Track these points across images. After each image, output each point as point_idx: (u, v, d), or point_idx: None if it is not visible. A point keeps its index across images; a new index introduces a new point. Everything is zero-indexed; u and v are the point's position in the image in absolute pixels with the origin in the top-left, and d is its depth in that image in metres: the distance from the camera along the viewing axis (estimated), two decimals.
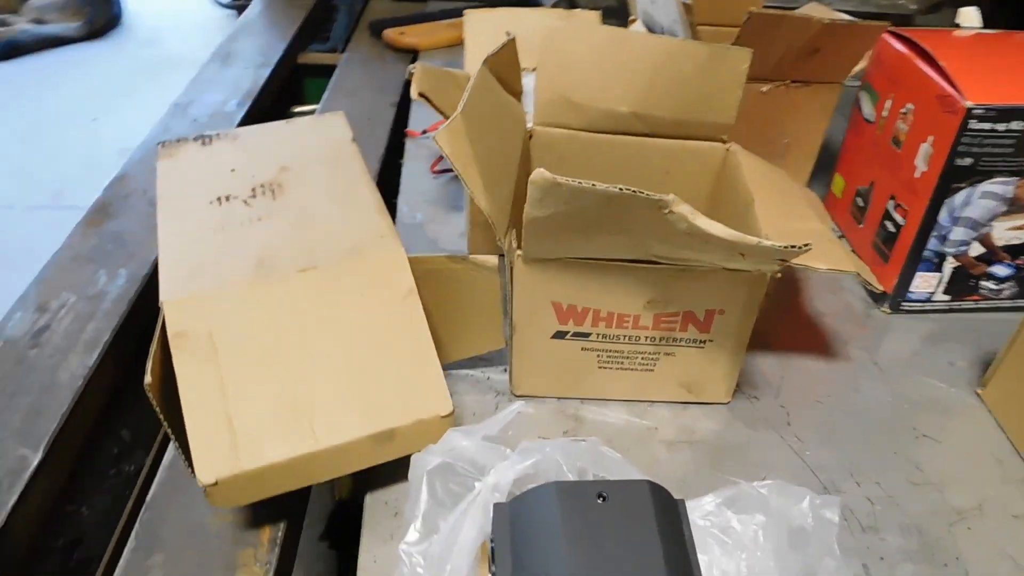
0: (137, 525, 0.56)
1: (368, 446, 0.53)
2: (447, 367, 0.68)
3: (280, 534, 0.56)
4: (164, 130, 1.01)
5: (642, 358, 0.62)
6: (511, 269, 0.58)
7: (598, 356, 0.62)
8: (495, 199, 0.56)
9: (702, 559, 0.48)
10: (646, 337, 0.61)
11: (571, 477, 0.47)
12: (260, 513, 0.57)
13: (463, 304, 0.62)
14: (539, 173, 0.47)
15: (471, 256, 0.59)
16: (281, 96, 1.19)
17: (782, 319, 0.76)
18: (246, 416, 0.52)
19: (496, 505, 0.43)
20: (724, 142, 0.68)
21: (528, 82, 0.71)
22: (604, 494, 0.41)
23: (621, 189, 0.47)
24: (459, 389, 0.66)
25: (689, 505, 0.53)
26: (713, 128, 0.67)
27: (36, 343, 0.69)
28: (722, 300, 0.58)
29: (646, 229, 0.50)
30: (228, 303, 0.56)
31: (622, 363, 0.63)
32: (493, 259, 0.59)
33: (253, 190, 0.66)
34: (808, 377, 0.70)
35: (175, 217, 0.63)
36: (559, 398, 0.66)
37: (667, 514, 0.41)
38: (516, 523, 0.41)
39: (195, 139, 0.72)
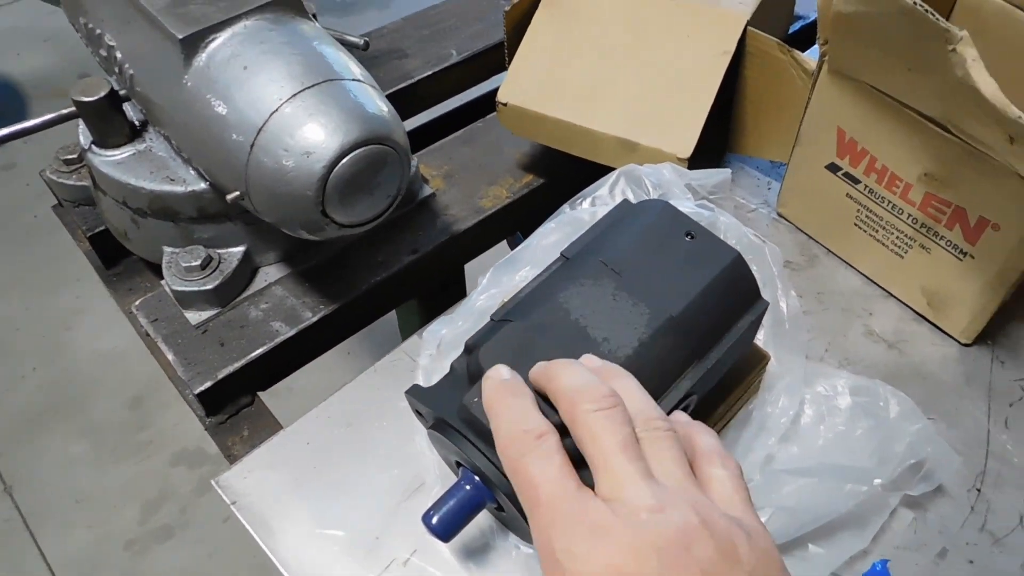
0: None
1: (614, 145, 0.63)
2: (737, 158, 0.72)
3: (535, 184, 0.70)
4: None
5: (897, 236, 0.59)
6: (815, 80, 0.58)
7: (858, 211, 0.61)
8: None
9: (788, 406, 0.50)
10: (909, 215, 0.57)
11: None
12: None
13: (771, 97, 0.65)
14: None
15: (797, 52, 0.61)
16: None
17: None
18: (554, 75, 0.65)
19: (625, 200, 0.50)
20: None
21: None
22: (693, 235, 0.44)
23: (916, 3, 0.45)
24: (735, 177, 0.70)
25: (822, 372, 0.54)
26: None
27: None
28: (1000, 212, 0.52)
29: (930, 66, 0.47)
30: None
31: (877, 232, 0.61)
32: (812, 62, 0.60)
33: None
34: None
35: None
36: (809, 236, 0.66)
37: (730, 286, 0.42)
38: (621, 215, 0.47)
39: None
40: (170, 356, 0.53)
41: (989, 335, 0.59)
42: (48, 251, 1.71)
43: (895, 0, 0.46)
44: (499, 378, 0.34)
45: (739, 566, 0.27)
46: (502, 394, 0.33)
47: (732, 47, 0.63)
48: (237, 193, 0.46)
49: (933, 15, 0.45)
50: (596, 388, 0.31)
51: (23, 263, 1.73)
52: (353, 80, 0.46)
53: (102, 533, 1.33)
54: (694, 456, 0.32)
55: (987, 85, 0.44)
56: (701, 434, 0.33)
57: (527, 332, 0.38)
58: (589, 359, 0.35)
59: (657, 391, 0.39)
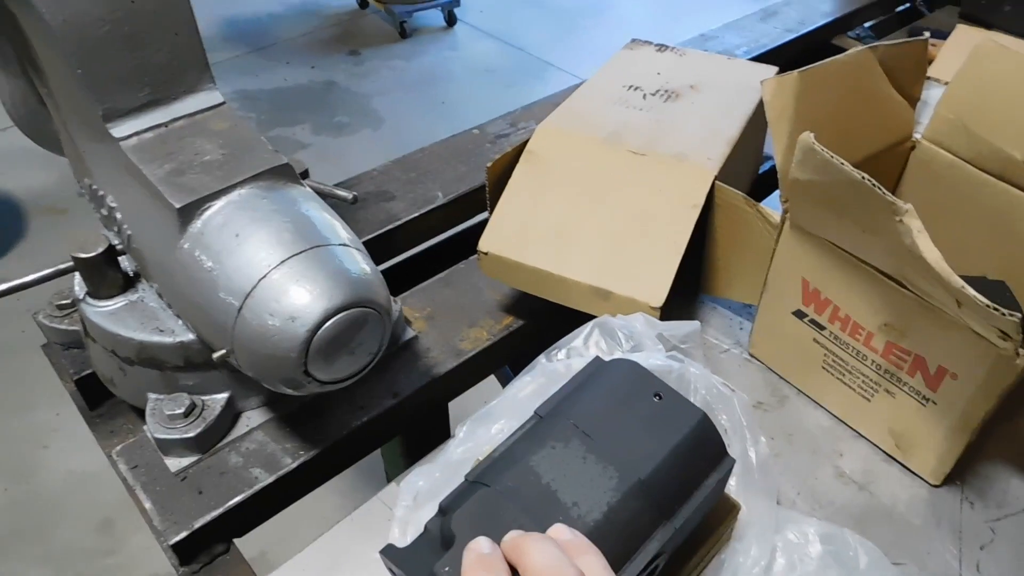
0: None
1: (589, 293, 0.66)
2: (710, 298, 0.75)
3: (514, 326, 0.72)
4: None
5: (863, 380, 0.62)
6: (779, 232, 0.62)
7: (825, 355, 0.63)
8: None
9: (759, 556, 0.51)
10: (872, 361, 0.60)
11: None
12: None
13: (739, 246, 0.68)
14: (804, 135, 0.52)
15: (762, 205, 0.65)
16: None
17: None
18: (532, 226, 0.68)
19: (597, 358, 0.52)
20: None
21: (933, 95, 0.69)
22: (661, 396, 0.46)
23: (863, 178, 0.49)
24: (708, 317, 0.73)
25: (791, 517, 0.55)
26: None
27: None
28: (957, 362, 0.54)
29: (880, 231, 0.51)
30: (577, 148, 0.72)
31: (843, 375, 0.63)
32: (777, 215, 0.64)
33: (657, 91, 0.79)
34: None
35: (598, 83, 0.81)
36: (780, 376, 0.69)
37: (697, 447, 0.44)
38: (593, 374, 0.49)
39: (656, 46, 0.88)
40: (147, 505, 0.54)
41: (958, 475, 0.61)
42: (31, 368, 1.71)
43: (844, 173, 0.50)
44: (478, 551, 0.35)
45: None
46: (478, 569, 0.34)
47: (701, 201, 0.67)
48: (224, 351, 0.48)
49: (880, 189, 0.48)
50: (562, 570, 0.32)
51: (3, 377, 1.72)
52: (339, 244, 0.49)
53: None
54: None
55: (931, 255, 0.47)
56: None
57: (499, 497, 0.40)
58: (559, 530, 0.37)
59: (626, 553, 0.40)
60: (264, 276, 0.45)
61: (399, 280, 0.77)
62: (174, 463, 0.56)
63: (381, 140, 2.53)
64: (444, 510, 0.41)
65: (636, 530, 0.41)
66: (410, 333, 0.67)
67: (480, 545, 0.36)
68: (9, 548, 1.42)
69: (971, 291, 0.45)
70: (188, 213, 0.48)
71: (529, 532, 0.36)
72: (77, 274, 0.57)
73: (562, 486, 0.40)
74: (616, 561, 0.38)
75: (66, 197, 2.17)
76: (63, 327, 0.62)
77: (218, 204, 0.49)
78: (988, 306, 0.45)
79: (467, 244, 0.82)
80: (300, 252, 0.47)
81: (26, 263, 2.00)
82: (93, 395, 0.63)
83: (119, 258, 0.56)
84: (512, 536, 0.36)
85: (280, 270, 0.46)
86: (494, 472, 0.42)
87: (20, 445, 1.60)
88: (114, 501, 1.47)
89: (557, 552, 0.34)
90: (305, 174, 0.62)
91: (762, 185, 0.93)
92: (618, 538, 0.40)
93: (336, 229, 0.50)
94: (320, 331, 0.45)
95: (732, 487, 0.54)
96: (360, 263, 0.49)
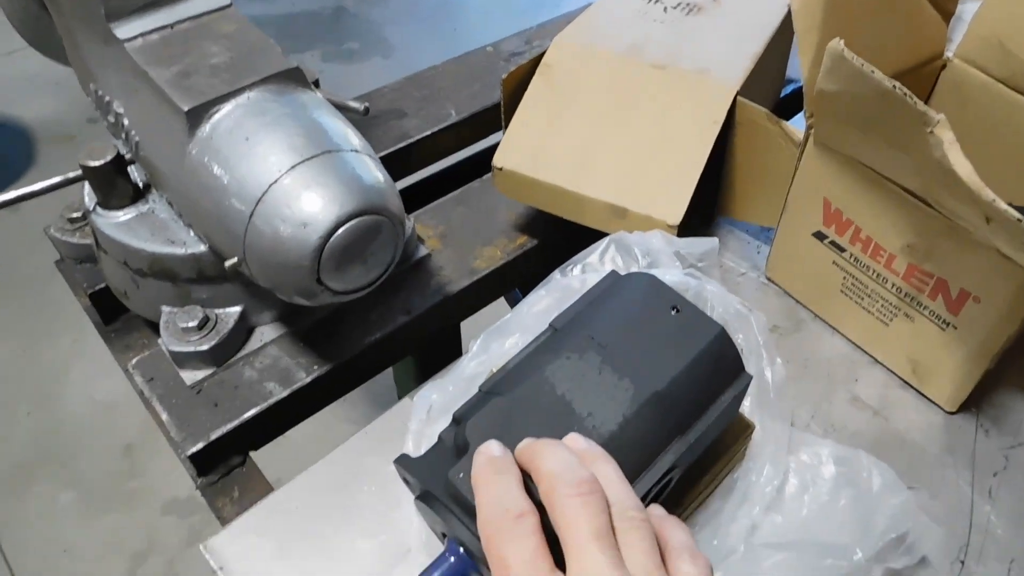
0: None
1: (605, 211, 0.65)
2: (727, 221, 0.74)
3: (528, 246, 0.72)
4: None
5: (882, 304, 0.60)
6: (802, 150, 0.60)
7: (844, 278, 0.62)
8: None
9: (772, 475, 0.51)
10: (893, 284, 0.59)
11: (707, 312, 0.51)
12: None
13: (760, 165, 0.66)
14: (833, 42, 0.49)
15: (785, 123, 0.63)
16: None
17: None
18: (548, 141, 0.67)
19: (613, 271, 0.51)
20: None
21: (968, 9, 0.66)
22: (678, 309, 0.45)
23: (894, 87, 0.47)
24: (725, 240, 0.72)
25: (806, 440, 0.54)
26: None
27: None
28: (981, 285, 0.53)
29: (909, 144, 0.49)
30: (594, 62, 0.69)
31: (862, 299, 0.62)
32: (800, 133, 0.62)
33: (679, 4, 0.76)
34: None
35: None
36: (797, 301, 0.68)
37: (714, 361, 0.43)
38: (609, 287, 0.48)
39: None
40: (164, 416, 0.54)
41: (974, 403, 0.60)
42: (50, 295, 1.73)
43: (874, 82, 0.48)
44: (489, 453, 0.35)
45: None
46: (488, 470, 0.34)
47: (722, 117, 0.64)
48: (235, 260, 0.47)
49: (911, 98, 0.46)
50: (575, 472, 0.32)
51: (23, 306, 1.73)
52: (351, 151, 0.47)
53: None
54: (666, 550, 0.33)
55: (963, 167, 0.45)
56: (674, 529, 0.34)
57: (513, 406, 0.39)
58: (574, 439, 0.36)
59: (640, 466, 0.40)
60: (275, 181, 0.44)
61: (413, 201, 0.76)
62: (189, 376, 0.56)
63: (392, 68, 2.48)
64: (458, 419, 0.41)
65: (651, 443, 0.40)
66: (423, 251, 0.66)
67: (491, 448, 0.35)
68: (37, 471, 1.46)
69: (1002, 204, 0.44)
70: (196, 116, 0.47)
71: (543, 439, 0.36)
72: (87, 184, 0.56)
73: (577, 397, 0.40)
74: (630, 473, 0.38)
75: (75, 124, 2.15)
76: (75, 240, 0.61)
77: (227, 107, 0.47)
78: (1020, 220, 0.44)
79: (481, 166, 0.80)
80: (312, 157, 0.45)
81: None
82: (107, 310, 0.63)
83: (129, 168, 0.55)
84: (527, 442, 0.36)
85: (291, 175, 0.45)
86: (508, 382, 0.42)
87: (42, 371, 1.62)
88: (136, 426, 1.50)
89: (571, 457, 0.34)
90: (316, 84, 0.60)
91: (784, 109, 0.90)
92: (632, 450, 0.39)
93: (348, 135, 0.49)
94: (332, 238, 0.45)
95: (747, 407, 0.54)
96: (373, 170, 0.48)
